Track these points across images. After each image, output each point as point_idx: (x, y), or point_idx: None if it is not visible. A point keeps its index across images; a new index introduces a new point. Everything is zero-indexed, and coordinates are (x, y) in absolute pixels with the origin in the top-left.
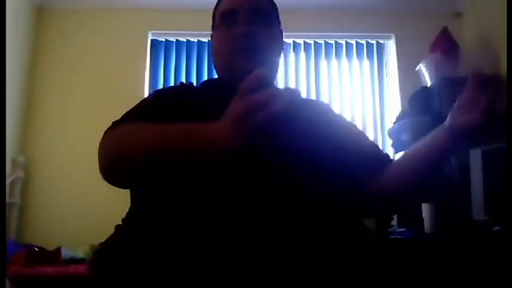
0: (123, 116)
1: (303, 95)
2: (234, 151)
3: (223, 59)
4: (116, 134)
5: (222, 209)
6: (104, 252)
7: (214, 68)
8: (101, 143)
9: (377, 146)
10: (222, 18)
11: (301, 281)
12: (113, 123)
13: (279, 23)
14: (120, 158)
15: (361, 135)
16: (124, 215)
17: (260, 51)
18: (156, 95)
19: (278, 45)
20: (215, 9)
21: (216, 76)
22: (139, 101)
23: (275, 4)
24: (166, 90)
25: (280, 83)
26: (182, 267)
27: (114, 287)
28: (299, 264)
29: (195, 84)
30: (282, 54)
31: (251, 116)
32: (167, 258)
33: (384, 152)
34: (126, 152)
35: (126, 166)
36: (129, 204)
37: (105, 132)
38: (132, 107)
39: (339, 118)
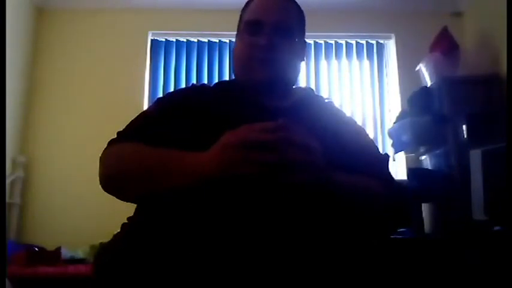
0: (128, 126)
1: (314, 92)
2: (211, 177)
3: (242, 65)
4: (113, 153)
5: (229, 209)
6: (110, 251)
7: (233, 70)
8: (101, 159)
9: (376, 147)
10: (247, 26)
11: (301, 282)
12: (117, 133)
13: (304, 33)
14: (114, 179)
15: (362, 133)
16: (124, 215)
17: (279, 62)
18: (163, 100)
19: (298, 56)
20: (242, 12)
21: (217, 77)
22: (146, 108)
23: (303, 14)
24: (175, 94)
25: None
26: (190, 268)
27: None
28: (299, 264)
29: (207, 83)
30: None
31: (240, 152)
32: (175, 259)
33: (384, 153)
34: (119, 175)
35: (120, 187)
36: (128, 206)
37: (108, 144)
38: (138, 114)
39: (341, 115)
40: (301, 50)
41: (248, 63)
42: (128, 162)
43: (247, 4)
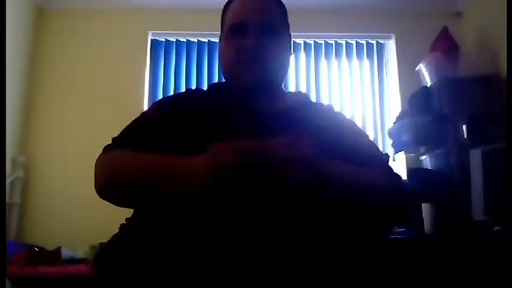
0: (122, 132)
1: (310, 98)
2: (205, 184)
3: (231, 69)
4: (108, 160)
5: (227, 209)
6: (109, 252)
7: (223, 74)
8: (96, 165)
9: (377, 147)
10: (231, 29)
11: (301, 282)
12: (112, 140)
13: (288, 27)
14: (109, 186)
15: (362, 135)
16: (124, 215)
17: (267, 62)
18: (158, 105)
19: (286, 53)
20: (223, 14)
21: (217, 77)
22: (140, 114)
23: (284, 7)
24: (171, 99)
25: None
26: (188, 269)
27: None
28: (300, 264)
29: (203, 85)
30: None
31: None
32: (172, 259)
33: (384, 153)
34: (114, 182)
35: (115, 194)
36: None
37: (103, 150)
38: (133, 120)
39: (341, 118)
40: (288, 45)
41: (237, 67)
42: (122, 169)
43: (227, 6)
